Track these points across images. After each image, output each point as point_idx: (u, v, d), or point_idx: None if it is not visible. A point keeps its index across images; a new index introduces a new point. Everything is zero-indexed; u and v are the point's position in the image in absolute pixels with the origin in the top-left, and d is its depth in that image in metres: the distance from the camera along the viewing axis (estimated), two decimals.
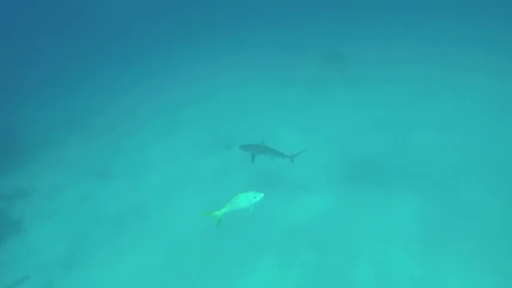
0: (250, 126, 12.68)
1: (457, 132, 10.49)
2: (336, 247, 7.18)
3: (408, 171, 9.09)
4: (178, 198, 9.53)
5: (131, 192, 10.21)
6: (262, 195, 4.72)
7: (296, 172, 9.40)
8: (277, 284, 6.70)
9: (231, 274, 7.01)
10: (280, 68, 18.36)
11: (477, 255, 6.59)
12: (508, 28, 18.58)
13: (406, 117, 11.78)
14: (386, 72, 15.71)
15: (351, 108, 12.93)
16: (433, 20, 21.64)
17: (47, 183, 11.38)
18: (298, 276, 6.75)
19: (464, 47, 16.69)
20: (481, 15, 20.81)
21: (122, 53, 26.29)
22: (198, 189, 9.70)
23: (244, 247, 7.54)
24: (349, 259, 6.90)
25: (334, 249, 7.14)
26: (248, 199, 4.68)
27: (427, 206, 7.88)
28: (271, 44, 22.36)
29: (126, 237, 8.45)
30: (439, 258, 6.67)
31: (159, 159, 11.70)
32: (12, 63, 26.57)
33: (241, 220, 7.07)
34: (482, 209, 7.59)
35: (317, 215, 8.07)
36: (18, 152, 13.50)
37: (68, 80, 22.83)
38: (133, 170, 11.35)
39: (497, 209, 7.53)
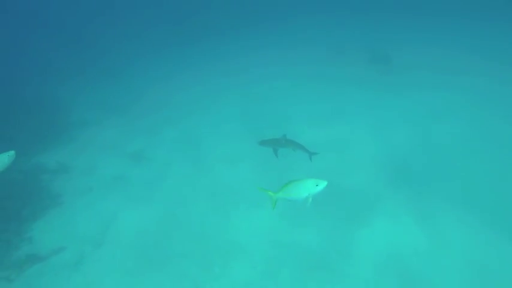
0: (281, 120, 12.70)
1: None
2: None
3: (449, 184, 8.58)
4: (205, 186, 9.73)
5: (161, 177, 10.54)
6: (325, 183, 3.88)
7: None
8: None
9: None
10: (321, 64, 18.11)
11: None
12: None
13: (452, 129, 11.06)
14: (433, 78, 14.83)
15: (390, 113, 12.37)
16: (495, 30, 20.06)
17: (85, 161, 12.01)
18: None
19: None
20: None
21: (167, 42, 27.00)
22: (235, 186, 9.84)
23: None
24: None
25: None
26: (307, 187, 3.87)
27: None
28: (314, 41, 22.03)
29: (153, 220, 8.74)
30: None
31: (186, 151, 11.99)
32: (57, 43, 28.08)
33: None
34: None
35: None
36: (61, 130, 14.37)
37: (110, 64, 23.88)
38: (166, 155, 11.72)
39: None
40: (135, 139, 13.08)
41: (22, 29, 31.34)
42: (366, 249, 7.46)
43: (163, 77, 20.40)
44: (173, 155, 11.71)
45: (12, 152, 3.97)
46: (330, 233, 7.92)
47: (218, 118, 14.11)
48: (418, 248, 7.39)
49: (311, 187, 3.87)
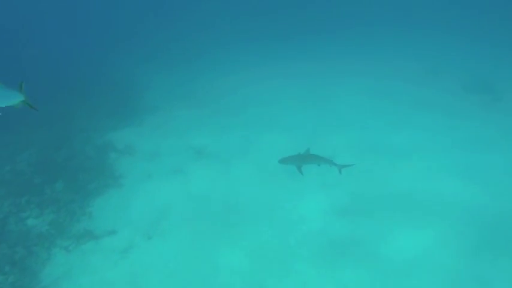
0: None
1: None
2: None
3: None
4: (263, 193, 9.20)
5: (222, 177, 10.27)
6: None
7: None
8: None
9: None
10: (411, 83, 16.53)
11: None
12: None
13: None
14: None
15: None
16: None
17: (150, 146, 12.35)
18: None
19: None
20: None
21: (249, 36, 27.15)
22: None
23: None
24: None
25: None
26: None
27: None
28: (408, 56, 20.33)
29: (207, 223, 8.47)
30: None
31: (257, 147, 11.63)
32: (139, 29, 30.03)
33: None
34: None
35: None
36: (133, 112, 15.14)
37: (186, 52, 24.79)
38: (229, 154, 11.48)
39: None
40: (202, 133, 13.04)
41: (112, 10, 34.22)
42: None
43: (238, 70, 20.46)
44: (236, 154, 11.38)
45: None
46: None
47: (292, 121, 13.51)
48: None
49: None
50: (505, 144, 11.53)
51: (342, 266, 7.16)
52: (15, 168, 10.16)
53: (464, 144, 11.60)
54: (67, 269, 7.32)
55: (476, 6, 28.67)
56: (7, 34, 23.16)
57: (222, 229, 8.18)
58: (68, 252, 7.69)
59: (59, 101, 15.75)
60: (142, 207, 9.08)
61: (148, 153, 11.97)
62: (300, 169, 6.78)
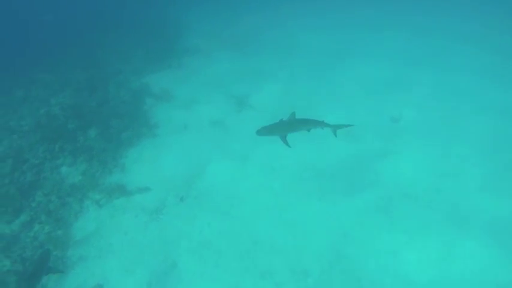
0: None
1: None
2: None
3: None
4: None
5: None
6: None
7: None
8: None
9: None
10: None
11: None
12: None
13: None
14: None
15: None
16: None
17: (188, 93, 11.09)
18: None
19: None
20: None
21: None
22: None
23: None
24: None
25: None
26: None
27: None
28: None
29: (243, 186, 7.32)
30: None
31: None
32: None
33: None
34: None
35: None
36: (172, 54, 13.72)
37: None
38: (271, 105, 9.87)
39: None
40: (243, 80, 11.45)
41: None
42: None
43: (289, 17, 17.78)
44: (278, 107, 9.73)
45: None
46: None
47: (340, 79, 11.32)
48: None
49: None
50: None
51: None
52: (50, 111, 9.64)
53: None
54: (98, 226, 6.84)
55: None
56: None
57: (265, 197, 6.98)
58: (99, 207, 7.17)
59: (95, 40, 14.81)
60: (177, 163, 8.14)
61: (186, 100, 10.76)
62: (285, 139, 5.30)
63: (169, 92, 11.31)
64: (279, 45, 14.46)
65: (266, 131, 5.32)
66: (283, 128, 5.35)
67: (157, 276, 5.89)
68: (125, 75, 12.24)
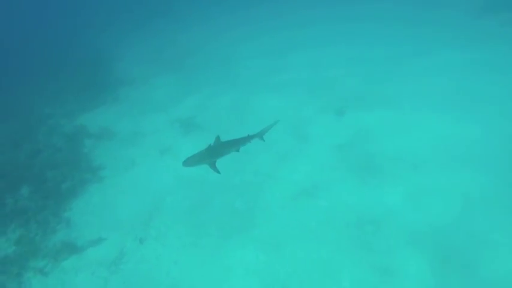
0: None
1: None
2: None
3: None
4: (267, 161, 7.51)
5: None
6: None
7: None
8: None
9: None
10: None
11: None
12: None
13: None
14: None
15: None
16: None
17: (130, 126, 10.40)
18: None
19: None
20: None
21: None
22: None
23: None
24: None
25: None
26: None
27: None
28: None
29: (210, 214, 6.86)
30: None
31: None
32: None
33: None
34: None
35: None
36: (105, 88, 12.91)
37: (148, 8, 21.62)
38: (219, 124, 9.59)
39: None
40: (186, 101, 11.06)
41: None
42: None
43: (222, 29, 17.91)
44: (226, 123, 9.53)
45: None
46: None
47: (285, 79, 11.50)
48: None
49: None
50: None
51: None
52: None
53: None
54: None
55: None
56: None
57: (228, 220, 6.59)
58: (44, 276, 6.17)
59: (14, 85, 13.37)
60: (130, 203, 7.41)
61: (129, 134, 10.06)
62: (214, 166, 4.94)
63: (110, 128, 10.51)
64: (217, 58, 14.40)
65: (193, 161, 4.86)
66: (211, 154, 4.94)
67: None
68: (56, 120, 11.14)
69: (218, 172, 4.94)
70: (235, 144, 5.15)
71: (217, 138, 5.11)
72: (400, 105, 8.94)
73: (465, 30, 12.83)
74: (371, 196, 6.52)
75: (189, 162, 4.86)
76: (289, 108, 9.69)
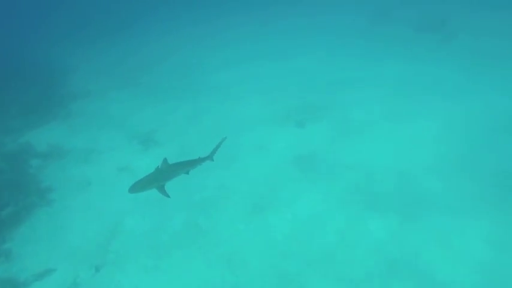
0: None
1: None
2: None
3: None
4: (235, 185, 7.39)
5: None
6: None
7: None
8: None
9: None
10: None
11: None
12: None
13: None
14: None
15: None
16: None
17: (83, 143, 9.71)
18: None
19: None
20: None
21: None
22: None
23: None
24: None
25: None
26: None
27: None
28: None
29: (171, 237, 6.51)
30: None
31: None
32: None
33: None
34: None
35: None
36: (56, 103, 12.02)
37: (112, 22, 20.93)
38: (179, 138, 9.33)
39: None
40: (145, 116, 10.65)
41: None
42: None
43: (187, 40, 17.70)
44: (186, 138, 9.29)
45: None
46: None
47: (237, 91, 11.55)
48: None
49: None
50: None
51: None
52: None
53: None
54: None
55: None
56: None
57: (192, 242, 6.29)
58: None
59: None
60: (84, 228, 6.83)
61: (84, 152, 9.38)
62: (163, 190, 4.72)
63: (60, 146, 9.71)
64: (180, 70, 14.14)
65: (140, 186, 4.53)
66: (159, 178, 4.67)
67: None
68: None
69: (168, 196, 4.65)
70: (185, 166, 4.91)
71: (165, 160, 4.82)
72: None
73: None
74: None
75: (136, 188, 4.50)
76: (248, 120, 9.71)
